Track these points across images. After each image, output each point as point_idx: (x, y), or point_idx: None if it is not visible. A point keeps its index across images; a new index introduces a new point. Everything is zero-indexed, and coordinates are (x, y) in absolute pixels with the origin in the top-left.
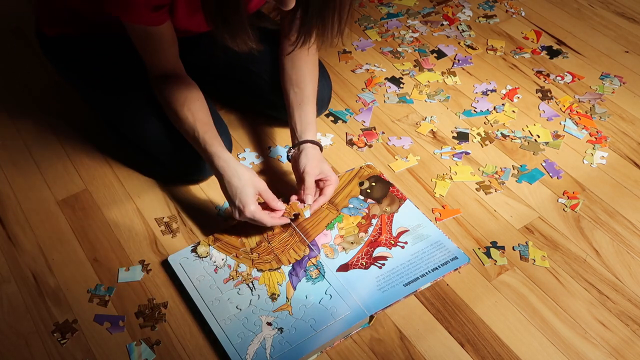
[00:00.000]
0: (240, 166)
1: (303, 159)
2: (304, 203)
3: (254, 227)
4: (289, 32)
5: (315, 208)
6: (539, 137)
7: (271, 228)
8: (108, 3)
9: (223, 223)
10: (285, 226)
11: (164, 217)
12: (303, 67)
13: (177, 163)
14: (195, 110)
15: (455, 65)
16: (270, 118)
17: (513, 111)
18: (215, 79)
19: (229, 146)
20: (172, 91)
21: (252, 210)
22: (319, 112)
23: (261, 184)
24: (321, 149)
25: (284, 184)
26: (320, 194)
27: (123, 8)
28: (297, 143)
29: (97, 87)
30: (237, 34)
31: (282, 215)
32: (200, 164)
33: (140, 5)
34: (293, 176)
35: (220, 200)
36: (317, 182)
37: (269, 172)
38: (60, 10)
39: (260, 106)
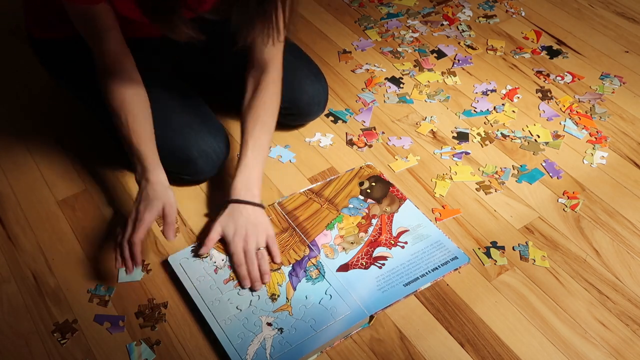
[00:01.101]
0: (168, 188)
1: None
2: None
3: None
4: (235, 29)
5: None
6: (539, 137)
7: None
8: None
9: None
10: (285, 227)
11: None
12: (252, 115)
13: (170, 164)
14: (134, 117)
15: (455, 65)
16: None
17: (513, 111)
18: (220, 86)
19: (226, 148)
20: (112, 88)
21: (146, 217)
22: (314, 114)
23: (171, 207)
24: (258, 206)
25: (284, 183)
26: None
27: None
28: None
29: (85, 89)
30: (170, 21)
31: None
32: (196, 166)
33: None
34: (293, 176)
35: (220, 200)
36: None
37: (269, 172)
38: (44, 14)
39: None
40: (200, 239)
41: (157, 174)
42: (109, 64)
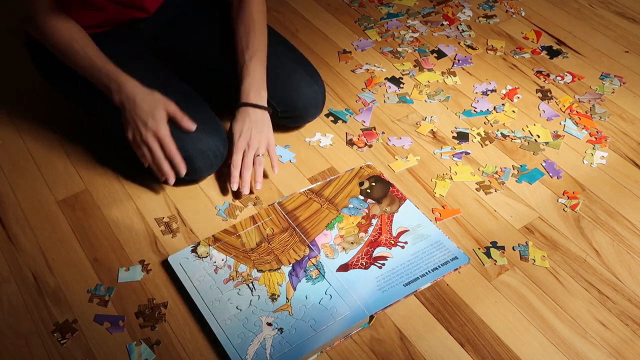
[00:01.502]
0: (151, 90)
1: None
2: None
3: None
4: None
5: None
6: (539, 137)
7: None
8: None
9: (223, 223)
10: (285, 227)
11: (163, 217)
12: (250, 26)
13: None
14: (86, 45)
15: (455, 65)
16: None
17: (513, 111)
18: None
19: (224, 147)
20: (56, 25)
21: (165, 132)
22: (311, 117)
23: (171, 104)
24: (267, 109)
25: (284, 183)
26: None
27: None
28: (236, 105)
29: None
30: None
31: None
32: (194, 166)
33: None
34: (293, 176)
35: (220, 200)
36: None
37: (269, 171)
38: None
39: None
40: (200, 240)
41: (135, 85)
42: (44, 8)
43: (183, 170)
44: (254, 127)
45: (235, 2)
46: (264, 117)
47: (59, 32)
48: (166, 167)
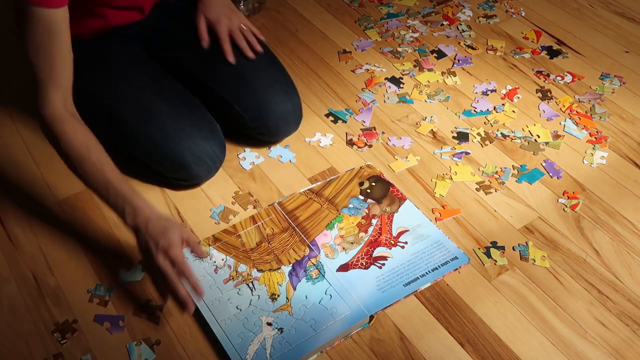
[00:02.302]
0: (166, 215)
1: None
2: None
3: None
4: None
5: None
6: (539, 137)
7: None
8: None
9: (222, 224)
10: (285, 227)
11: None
12: None
13: (165, 169)
14: (102, 159)
15: (455, 65)
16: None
17: (513, 111)
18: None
19: (221, 151)
20: (72, 129)
21: (177, 252)
22: (284, 134)
23: (185, 230)
24: None
25: (284, 183)
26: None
27: None
28: None
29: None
30: None
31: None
32: (191, 172)
33: None
34: (293, 176)
35: (220, 201)
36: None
37: (269, 172)
38: None
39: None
40: (200, 240)
41: (150, 208)
42: (63, 108)
43: (201, 295)
44: (226, 9)
45: None
46: (229, 2)
47: (76, 141)
48: (182, 291)
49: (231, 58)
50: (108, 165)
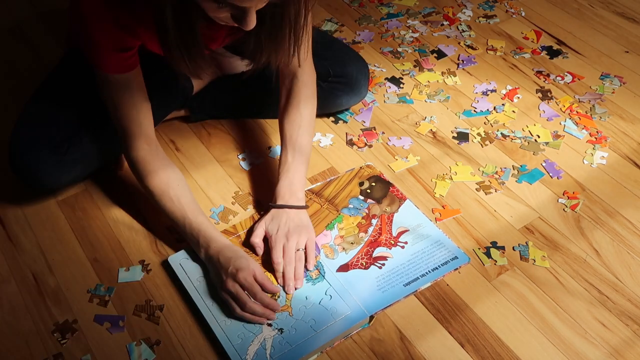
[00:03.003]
0: (242, 252)
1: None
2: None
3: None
4: (246, 55)
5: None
6: (539, 137)
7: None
8: (84, 52)
9: (223, 223)
10: None
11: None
12: (297, 123)
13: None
14: (181, 194)
15: (460, 66)
16: (270, 119)
17: (513, 111)
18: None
19: (185, 97)
20: (154, 169)
21: (245, 275)
22: (359, 86)
23: (258, 268)
24: (303, 206)
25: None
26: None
27: (92, 53)
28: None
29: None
30: (197, 63)
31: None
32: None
33: (107, 48)
34: None
35: (220, 201)
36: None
37: (269, 172)
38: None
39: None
40: None
41: (222, 239)
42: (147, 151)
43: (277, 309)
44: (291, 225)
45: (283, 95)
46: (301, 216)
47: (157, 179)
48: (258, 309)
49: (290, 290)
50: (185, 199)
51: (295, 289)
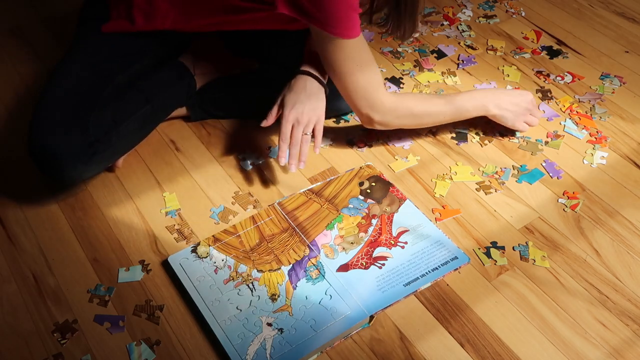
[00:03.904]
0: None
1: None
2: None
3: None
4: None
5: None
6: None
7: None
8: (334, 28)
9: (222, 224)
10: (285, 227)
11: (174, 225)
12: None
13: None
14: (419, 101)
15: (460, 66)
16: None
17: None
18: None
19: (188, 94)
20: (406, 98)
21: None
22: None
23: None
24: (323, 86)
25: (284, 183)
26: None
27: (348, 26)
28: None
29: None
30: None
31: None
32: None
33: (356, 16)
34: (293, 176)
35: (220, 201)
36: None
37: (269, 172)
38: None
39: None
40: (200, 240)
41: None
42: (392, 93)
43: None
44: (307, 101)
45: None
46: (320, 93)
47: (414, 101)
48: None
49: (283, 162)
50: (422, 101)
51: (297, 167)
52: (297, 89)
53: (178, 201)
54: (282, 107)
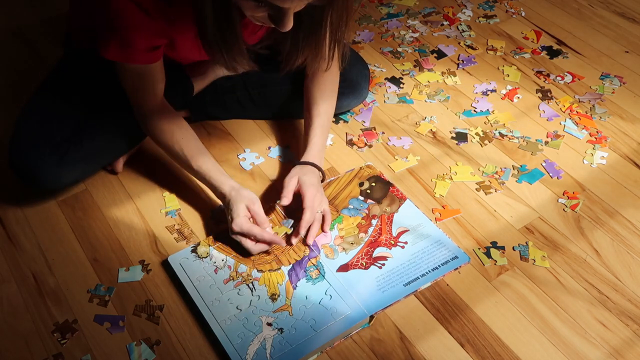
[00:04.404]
0: (243, 188)
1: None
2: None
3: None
4: (283, 57)
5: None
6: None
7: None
8: (106, 50)
9: (222, 224)
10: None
11: (174, 225)
12: (317, 92)
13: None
14: (186, 145)
15: (460, 66)
16: (270, 119)
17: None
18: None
19: (185, 97)
20: (160, 127)
21: (239, 222)
22: (359, 90)
23: (256, 202)
24: (322, 175)
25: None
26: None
27: (123, 54)
28: (296, 163)
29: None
30: (235, 59)
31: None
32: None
33: (141, 50)
34: None
35: (218, 202)
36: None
37: (269, 172)
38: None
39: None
40: (200, 240)
41: (230, 184)
42: (153, 108)
43: (281, 244)
44: (319, 189)
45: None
46: (320, 181)
47: (163, 134)
48: (266, 246)
49: (295, 242)
50: (187, 149)
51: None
52: (311, 180)
53: (178, 201)
54: (298, 189)
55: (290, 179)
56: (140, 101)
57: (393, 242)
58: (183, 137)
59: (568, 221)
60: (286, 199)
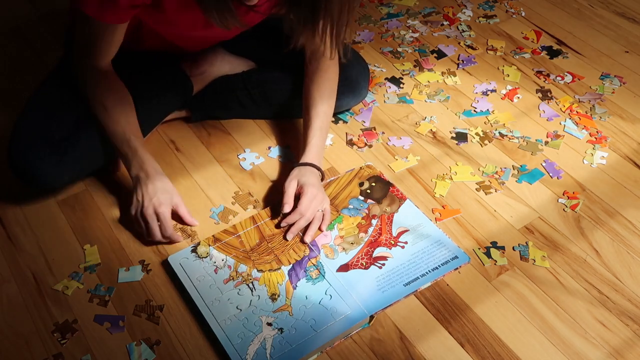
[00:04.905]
0: (167, 178)
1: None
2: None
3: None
4: (285, 31)
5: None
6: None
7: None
8: (85, 4)
9: (222, 224)
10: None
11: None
12: (316, 93)
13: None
14: (126, 114)
15: (460, 66)
16: (270, 119)
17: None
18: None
19: (185, 97)
20: (102, 89)
21: (164, 210)
22: (359, 89)
23: (178, 197)
24: (322, 175)
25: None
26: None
27: (101, 10)
28: (295, 165)
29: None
30: (222, 12)
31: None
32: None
33: (123, 7)
34: None
35: (220, 201)
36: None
37: (269, 172)
38: None
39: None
40: (200, 240)
41: (155, 166)
42: (100, 68)
43: (179, 240)
44: (319, 188)
45: (310, 67)
46: (320, 180)
47: (106, 98)
48: (159, 237)
49: (291, 237)
50: (123, 115)
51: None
52: (313, 182)
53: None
54: (298, 191)
55: (290, 183)
56: (88, 57)
57: (393, 242)
58: (125, 112)
59: (568, 221)
60: (287, 205)
